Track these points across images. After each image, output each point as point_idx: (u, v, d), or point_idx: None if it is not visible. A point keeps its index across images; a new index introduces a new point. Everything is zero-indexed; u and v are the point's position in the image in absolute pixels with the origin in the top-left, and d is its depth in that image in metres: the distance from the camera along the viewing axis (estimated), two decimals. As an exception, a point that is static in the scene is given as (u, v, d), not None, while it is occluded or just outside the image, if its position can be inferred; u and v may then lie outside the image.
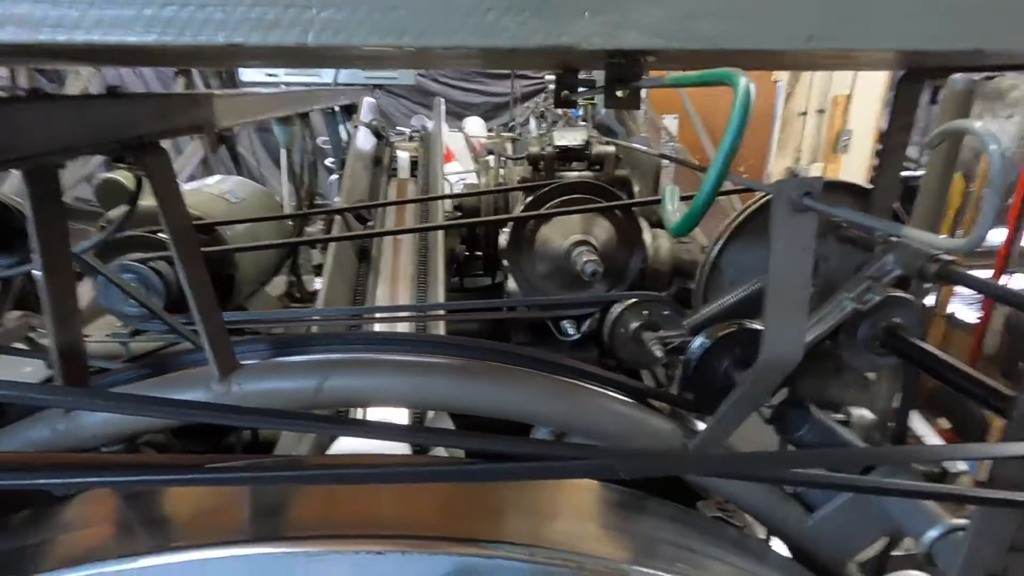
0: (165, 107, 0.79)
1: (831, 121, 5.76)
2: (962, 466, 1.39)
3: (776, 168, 6.10)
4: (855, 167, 5.65)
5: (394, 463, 0.84)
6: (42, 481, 0.67)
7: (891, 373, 2.00)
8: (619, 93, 0.59)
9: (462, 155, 3.22)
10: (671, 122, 5.10)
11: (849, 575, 1.02)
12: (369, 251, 1.91)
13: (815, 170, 5.91)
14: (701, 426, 1.11)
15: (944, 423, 3.91)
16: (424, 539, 0.65)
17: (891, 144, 1.04)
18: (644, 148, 1.42)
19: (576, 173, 1.36)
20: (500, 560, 0.65)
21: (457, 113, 5.57)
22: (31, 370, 1.32)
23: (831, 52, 0.49)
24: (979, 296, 4.93)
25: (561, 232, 1.26)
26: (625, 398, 0.98)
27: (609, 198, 1.25)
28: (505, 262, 1.34)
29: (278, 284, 1.91)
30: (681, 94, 2.72)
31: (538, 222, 1.24)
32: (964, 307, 5.07)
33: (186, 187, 1.53)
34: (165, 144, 0.76)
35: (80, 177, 2.90)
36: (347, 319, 1.19)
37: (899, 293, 1.03)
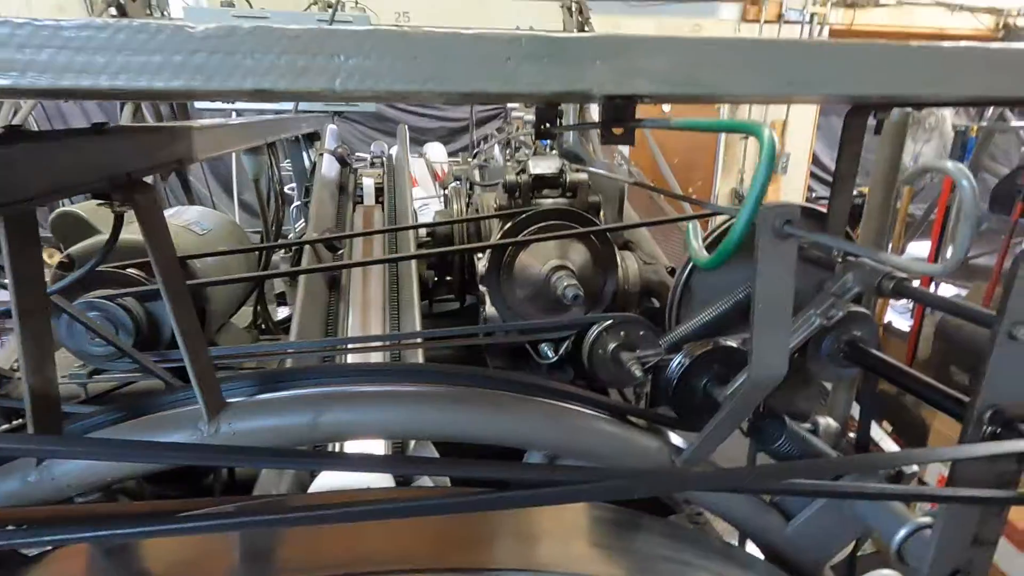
0: (150, 142, 0.78)
1: (770, 145, 6.12)
2: (914, 467, 1.49)
3: (722, 188, 6.42)
4: (794, 187, 6.01)
5: (393, 497, 0.83)
6: (9, 542, 0.63)
7: (847, 384, 2.13)
8: (615, 131, 0.63)
9: (424, 180, 3.23)
10: (622, 147, 5.29)
11: (824, 577, 1.07)
12: (339, 279, 1.89)
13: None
14: (676, 440, 1.14)
15: (886, 426, 4.16)
16: (427, 572, 0.65)
17: (842, 172, 1.13)
18: (621, 176, 1.48)
19: (551, 200, 1.41)
20: (514, 588, 0.65)
21: (414, 139, 5.58)
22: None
23: (804, 96, 0.55)
24: (911, 306, 5.30)
25: (539, 258, 1.29)
26: (611, 418, 1.01)
27: (583, 224, 1.29)
28: (483, 288, 1.36)
29: (243, 315, 1.86)
30: (652, 145, 2.84)
31: (516, 249, 1.27)
32: (898, 316, 5.44)
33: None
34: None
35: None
36: (332, 350, 1.17)
37: (859, 308, 1.12)
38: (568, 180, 1.40)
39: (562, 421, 0.91)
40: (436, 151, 4.25)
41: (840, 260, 1.10)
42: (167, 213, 1.60)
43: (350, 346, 1.21)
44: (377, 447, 1.34)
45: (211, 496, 1.12)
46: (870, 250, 0.57)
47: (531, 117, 2.35)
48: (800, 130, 6.06)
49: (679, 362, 1.14)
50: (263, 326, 1.89)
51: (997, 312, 0.75)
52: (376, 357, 1.54)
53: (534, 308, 1.34)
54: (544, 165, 1.36)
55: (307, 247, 1.71)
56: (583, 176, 1.40)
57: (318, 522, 0.68)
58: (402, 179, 2.14)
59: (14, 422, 1.24)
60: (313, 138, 2.50)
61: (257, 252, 1.84)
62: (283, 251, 2.08)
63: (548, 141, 1.62)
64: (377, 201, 2.37)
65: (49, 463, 0.79)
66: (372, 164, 2.91)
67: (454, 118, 6.59)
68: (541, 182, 1.40)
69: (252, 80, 0.44)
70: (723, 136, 6.16)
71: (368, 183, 2.30)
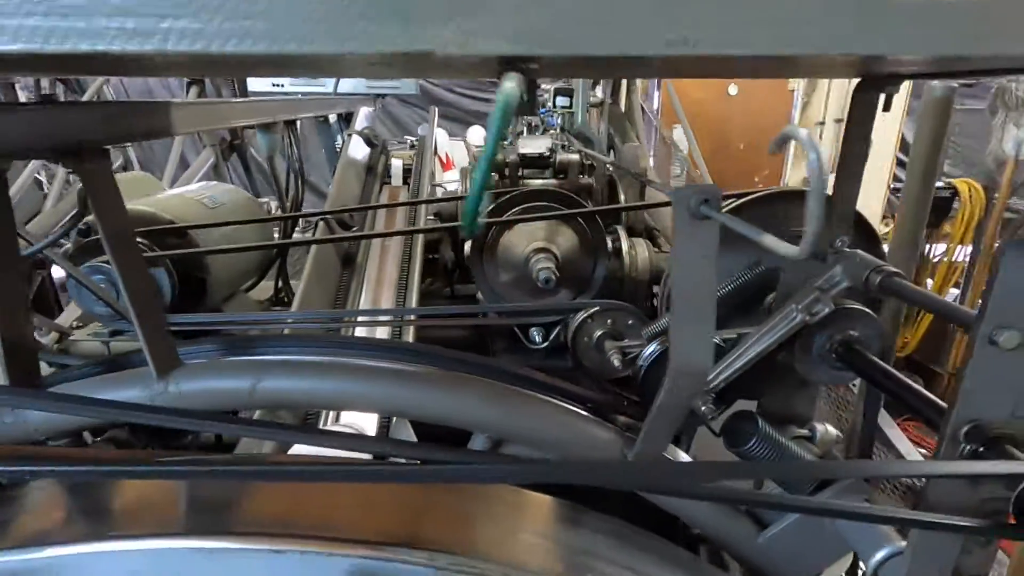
0: (110, 115, 0.82)
1: (849, 131, 5.62)
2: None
3: (793, 178, 5.98)
4: (877, 176, 5.49)
5: (303, 462, 0.84)
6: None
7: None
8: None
9: (462, 164, 3.24)
10: (680, 135, 5.06)
11: (808, 600, 0.99)
12: (354, 257, 1.94)
13: (832, 180, 5.76)
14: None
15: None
16: (325, 540, 0.65)
17: (848, 154, 1.02)
18: (601, 156, 1.41)
19: (540, 181, 1.37)
20: (398, 564, 0.65)
21: (469, 122, 5.62)
22: None
23: (704, 57, 0.49)
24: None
25: (524, 239, 1.26)
26: (567, 406, 0.97)
27: (571, 206, 1.25)
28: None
29: (266, 289, 1.95)
30: (676, 104, 2.69)
31: (500, 229, 1.25)
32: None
33: (168, 192, 1.58)
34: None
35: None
36: (281, 324, 1.21)
37: (855, 305, 1.01)
38: (558, 160, 1.36)
39: (502, 403, 0.89)
40: (476, 134, 4.26)
41: (833, 251, 0.99)
42: (194, 187, 1.71)
43: (320, 320, 1.24)
44: (369, 423, 1.38)
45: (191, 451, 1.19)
46: (756, 231, 0.50)
47: (563, 99, 2.29)
48: (888, 112, 5.47)
49: (651, 351, 1.09)
50: (286, 299, 1.98)
51: (977, 314, 0.65)
52: (380, 334, 1.57)
53: (519, 292, 1.31)
54: (533, 145, 1.32)
55: (322, 224, 1.77)
56: (574, 157, 1.35)
57: (214, 477, 0.71)
58: (426, 159, 2.16)
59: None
60: (351, 120, 2.58)
61: (281, 227, 1.93)
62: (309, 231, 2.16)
63: (558, 121, 1.56)
64: (405, 182, 2.41)
65: (21, 409, 0.87)
66: (412, 146, 2.96)
67: (510, 102, 6.53)
68: (530, 161, 1.36)
69: (87, 43, 0.45)
70: (796, 119, 5.70)
71: (396, 164, 2.34)
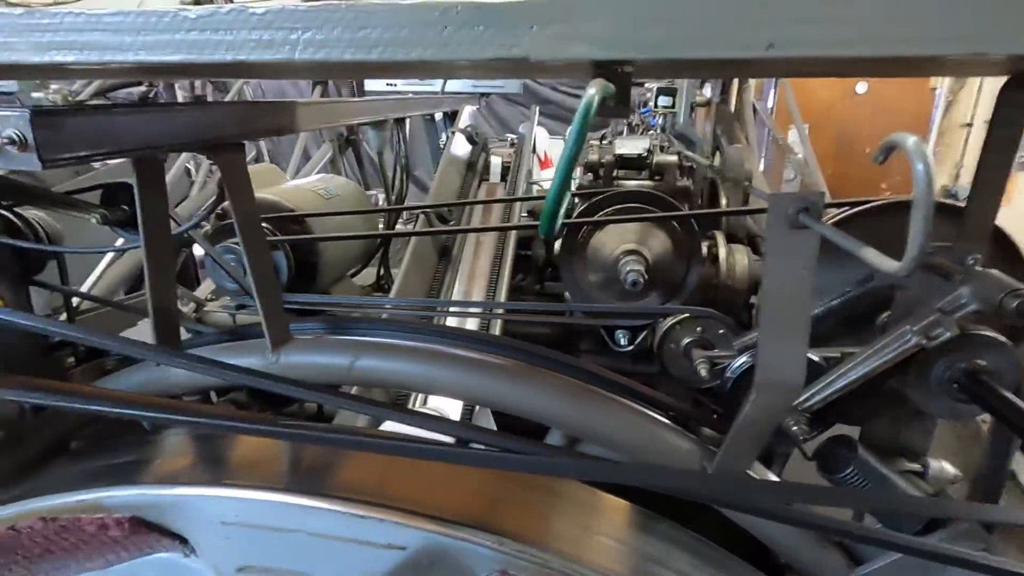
0: (245, 114, 0.93)
1: (1005, 134, 4.91)
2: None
3: (929, 186, 5.33)
4: None
5: (387, 437, 0.90)
6: (131, 412, 0.83)
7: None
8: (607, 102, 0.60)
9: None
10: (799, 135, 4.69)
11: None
12: (450, 249, 2.03)
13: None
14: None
15: None
16: (402, 512, 0.70)
17: (989, 162, 0.91)
18: (698, 158, 1.36)
19: (636, 182, 1.34)
20: (466, 544, 0.68)
21: (568, 120, 5.63)
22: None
23: (804, 59, 0.47)
24: None
25: (614, 241, 1.25)
26: (647, 411, 0.96)
27: (666, 209, 1.22)
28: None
29: (369, 276, 2.10)
30: (791, 104, 2.51)
31: (592, 229, 1.25)
32: None
33: (291, 182, 1.75)
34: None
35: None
36: (393, 308, 1.29)
37: (985, 332, 0.90)
38: (655, 162, 1.32)
39: (578, 400, 0.89)
40: (576, 133, 4.23)
41: (962, 269, 0.89)
42: (313, 179, 1.87)
43: (409, 308, 1.31)
44: (453, 408, 1.44)
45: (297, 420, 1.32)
46: (858, 244, 0.46)
47: (665, 99, 2.24)
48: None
49: (740, 363, 1.04)
50: (386, 286, 2.11)
51: None
52: (463, 324, 1.64)
53: (606, 293, 1.31)
54: (630, 145, 1.30)
55: (421, 217, 1.87)
56: (671, 159, 1.31)
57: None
58: (524, 157, 2.20)
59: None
60: (455, 118, 2.69)
61: (385, 218, 2.06)
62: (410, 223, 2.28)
63: (657, 121, 1.52)
64: (503, 179, 2.48)
65: (163, 366, 1.01)
66: (512, 144, 3.03)
67: (614, 101, 6.45)
68: (626, 162, 1.34)
69: (231, 53, 0.52)
70: (937, 121, 5.06)
71: (495, 161, 2.41)
